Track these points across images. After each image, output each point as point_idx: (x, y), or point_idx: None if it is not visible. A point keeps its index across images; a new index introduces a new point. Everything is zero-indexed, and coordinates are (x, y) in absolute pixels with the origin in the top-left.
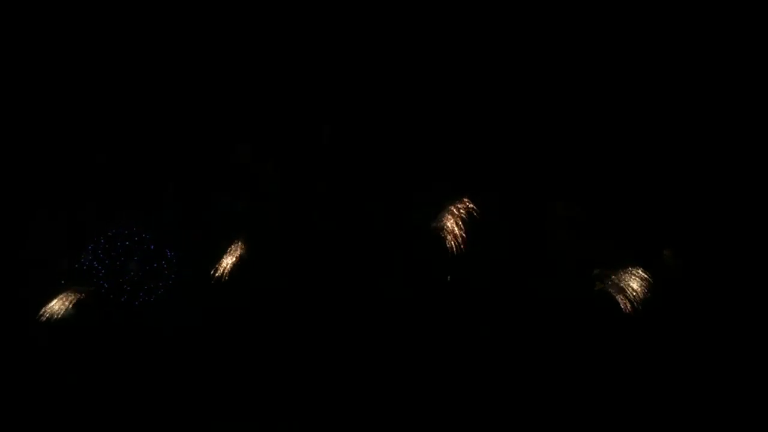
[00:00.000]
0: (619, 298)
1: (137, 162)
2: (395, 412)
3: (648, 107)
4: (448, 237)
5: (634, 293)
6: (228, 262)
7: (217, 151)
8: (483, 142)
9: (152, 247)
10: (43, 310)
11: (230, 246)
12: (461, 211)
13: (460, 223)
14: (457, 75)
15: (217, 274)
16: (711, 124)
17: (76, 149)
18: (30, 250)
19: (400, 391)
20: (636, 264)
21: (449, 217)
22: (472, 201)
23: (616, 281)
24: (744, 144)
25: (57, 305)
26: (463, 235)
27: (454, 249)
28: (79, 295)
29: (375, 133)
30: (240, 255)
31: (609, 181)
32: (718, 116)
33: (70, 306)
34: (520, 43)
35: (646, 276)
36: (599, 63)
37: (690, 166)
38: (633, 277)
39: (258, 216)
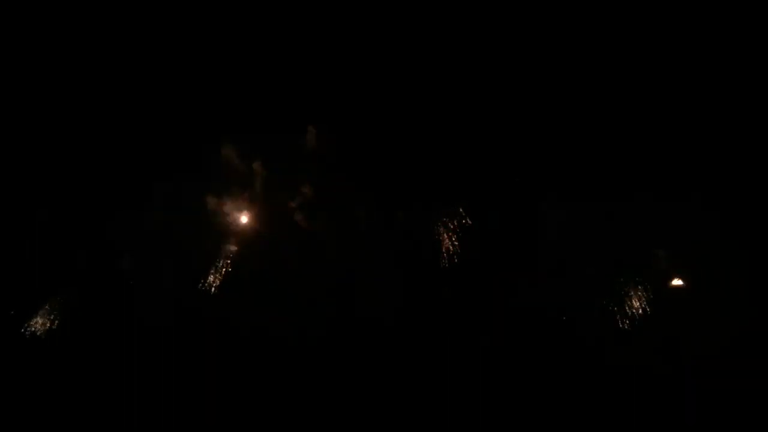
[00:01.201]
0: (615, 307)
1: (129, 162)
2: (392, 420)
3: (646, 110)
4: (443, 244)
5: (630, 300)
6: (217, 265)
7: (205, 152)
8: (475, 146)
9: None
10: (35, 314)
11: (220, 248)
12: (454, 218)
13: (452, 231)
14: (449, 77)
15: (208, 276)
16: (712, 124)
17: (72, 149)
18: (25, 251)
19: (396, 399)
20: (634, 270)
21: (441, 224)
22: (466, 205)
23: (614, 288)
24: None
25: (48, 311)
26: (455, 242)
27: (447, 258)
28: (71, 298)
29: (363, 135)
30: (230, 258)
31: (608, 182)
32: (719, 117)
33: (62, 311)
34: (516, 46)
35: (643, 284)
36: (595, 65)
37: (690, 168)
38: (630, 284)
39: (245, 217)
